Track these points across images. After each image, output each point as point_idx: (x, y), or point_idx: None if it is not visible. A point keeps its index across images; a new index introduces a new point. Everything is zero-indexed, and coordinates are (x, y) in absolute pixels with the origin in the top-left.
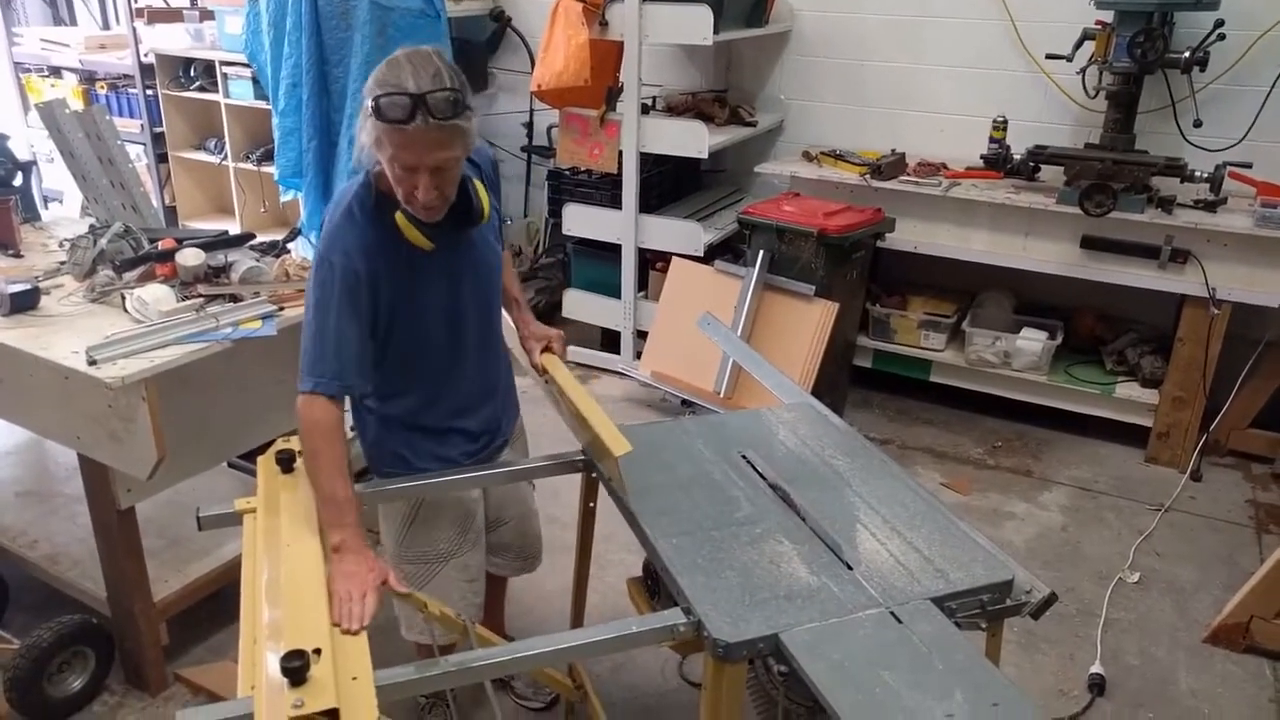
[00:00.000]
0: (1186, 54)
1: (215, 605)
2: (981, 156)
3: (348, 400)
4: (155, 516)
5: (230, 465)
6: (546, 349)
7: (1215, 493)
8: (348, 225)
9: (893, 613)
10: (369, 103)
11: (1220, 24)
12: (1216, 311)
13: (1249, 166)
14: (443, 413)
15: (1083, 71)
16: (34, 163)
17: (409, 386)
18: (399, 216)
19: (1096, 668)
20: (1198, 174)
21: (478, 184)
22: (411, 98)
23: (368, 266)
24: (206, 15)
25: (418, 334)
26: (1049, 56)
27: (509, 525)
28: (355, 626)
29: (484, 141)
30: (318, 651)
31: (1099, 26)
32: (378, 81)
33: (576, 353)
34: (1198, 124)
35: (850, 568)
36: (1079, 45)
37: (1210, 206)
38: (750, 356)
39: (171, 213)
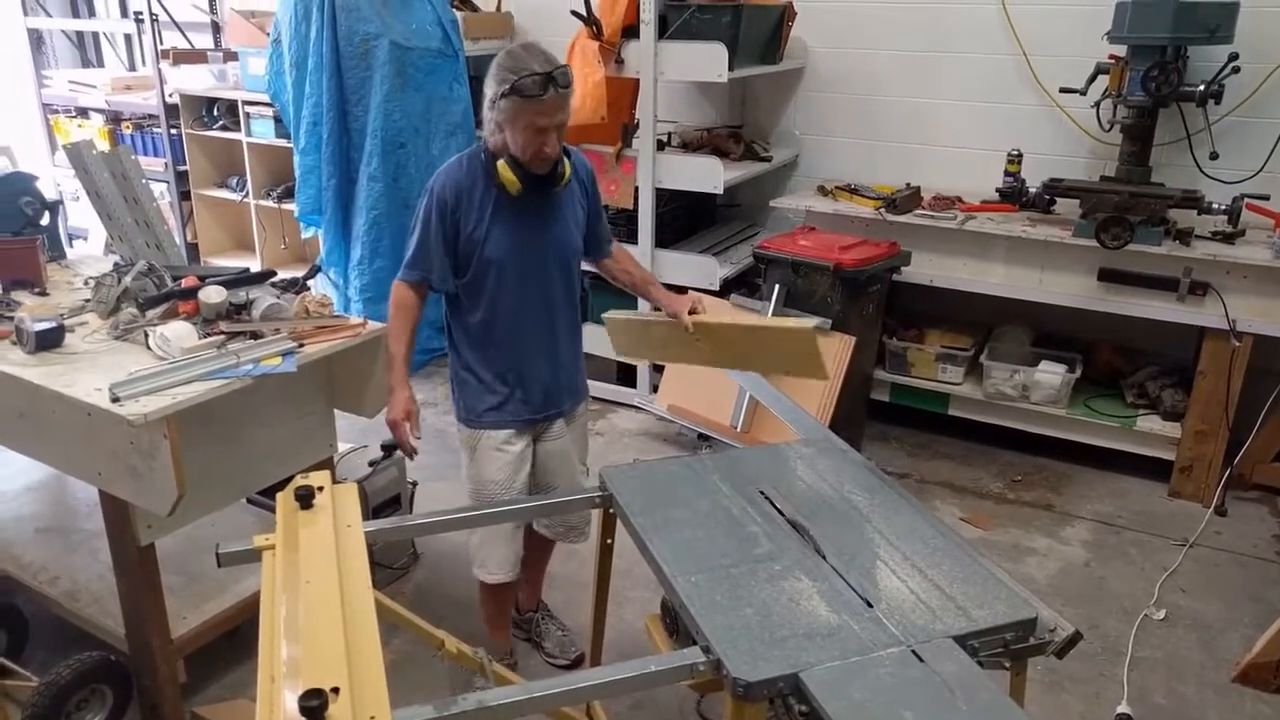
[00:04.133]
0: (1201, 87)
1: (233, 642)
2: (997, 190)
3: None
4: (175, 552)
5: (249, 502)
6: (692, 310)
7: (1241, 528)
8: (454, 170)
9: (914, 651)
10: (503, 88)
11: (1235, 57)
12: (1238, 344)
13: (1266, 198)
14: (516, 345)
15: (1097, 105)
16: (60, 202)
17: (492, 312)
18: (500, 164)
19: (1123, 707)
20: (1215, 206)
21: (567, 160)
22: (544, 75)
23: (454, 200)
24: (230, 56)
25: (500, 261)
26: (1063, 90)
27: (556, 492)
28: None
29: (583, 155)
30: (336, 690)
31: (1112, 60)
32: (508, 69)
33: (593, 386)
34: (1214, 156)
35: (871, 605)
36: (1093, 79)
37: (1229, 239)
38: (767, 391)
39: (193, 249)
